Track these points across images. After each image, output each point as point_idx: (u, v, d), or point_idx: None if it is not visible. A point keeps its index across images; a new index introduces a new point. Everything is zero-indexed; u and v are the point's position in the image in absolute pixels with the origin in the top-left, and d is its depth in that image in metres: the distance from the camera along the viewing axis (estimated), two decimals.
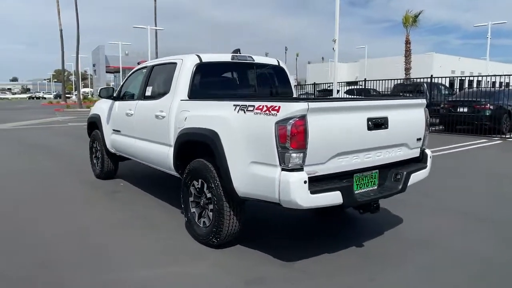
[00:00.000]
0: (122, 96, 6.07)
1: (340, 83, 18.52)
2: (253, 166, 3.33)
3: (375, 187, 3.78)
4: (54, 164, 8.45)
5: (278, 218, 4.86)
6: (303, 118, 3.04)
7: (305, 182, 3.05)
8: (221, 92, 4.88)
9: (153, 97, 5.06)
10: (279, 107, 3.12)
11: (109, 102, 6.32)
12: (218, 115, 3.70)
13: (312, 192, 3.10)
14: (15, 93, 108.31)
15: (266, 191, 3.23)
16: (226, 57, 4.89)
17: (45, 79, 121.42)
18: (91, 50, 70.94)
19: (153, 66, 5.34)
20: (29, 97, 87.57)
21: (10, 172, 7.69)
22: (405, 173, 3.85)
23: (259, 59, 5.24)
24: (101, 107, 6.60)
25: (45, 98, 73.56)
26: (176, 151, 4.28)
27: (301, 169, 3.09)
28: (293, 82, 5.60)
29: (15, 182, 6.84)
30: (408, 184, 3.89)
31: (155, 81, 5.18)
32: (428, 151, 4.23)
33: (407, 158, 4.05)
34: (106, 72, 68.81)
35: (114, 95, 6.19)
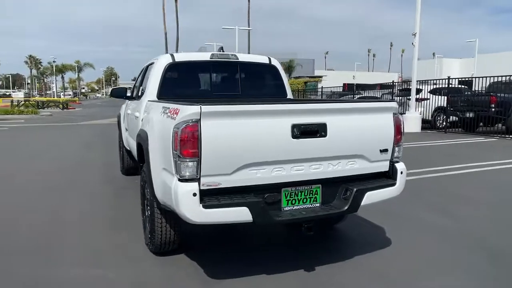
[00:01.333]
0: (133, 95, 6.27)
1: (436, 81, 16.70)
2: (162, 172, 3.14)
3: (317, 205, 3.26)
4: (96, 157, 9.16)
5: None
6: (195, 123, 2.73)
7: (194, 194, 2.75)
8: (195, 93, 4.72)
9: (139, 97, 5.12)
10: (179, 110, 2.86)
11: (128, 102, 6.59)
12: (151, 117, 3.56)
13: (205, 207, 2.78)
14: None
15: (169, 201, 3.00)
16: (204, 56, 4.71)
17: None
18: (195, 51, 75.87)
19: (147, 66, 5.39)
20: None
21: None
22: (354, 190, 3.23)
23: (244, 57, 4.95)
24: (123, 106, 6.93)
25: None
26: (137, 153, 4.24)
27: (195, 180, 2.79)
28: (286, 81, 5.14)
29: None
30: (363, 204, 3.27)
31: (143, 81, 5.23)
32: (399, 166, 3.51)
33: (368, 172, 3.41)
34: None
35: (128, 94, 6.41)
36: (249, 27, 41.42)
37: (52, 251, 3.87)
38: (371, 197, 3.31)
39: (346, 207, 3.22)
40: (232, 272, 3.44)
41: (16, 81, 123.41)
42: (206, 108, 2.75)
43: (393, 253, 3.81)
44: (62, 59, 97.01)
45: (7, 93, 66.26)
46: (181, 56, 4.63)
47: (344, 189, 3.29)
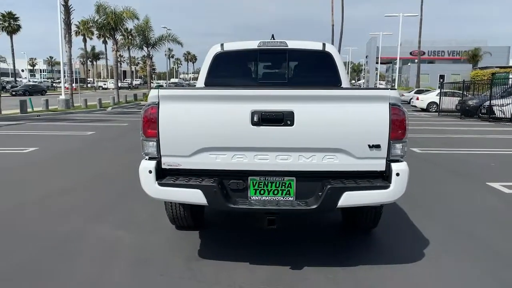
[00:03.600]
0: None
1: None
2: None
3: (290, 198, 3.05)
4: None
5: None
6: (155, 106, 2.95)
7: (150, 172, 2.98)
8: (241, 80, 4.83)
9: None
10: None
11: None
12: None
13: (161, 184, 2.98)
14: None
15: None
16: (252, 45, 4.77)
17: None
18: (365, 42, 73.24)
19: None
20: None
21: None
22: (328, 187, 2.89)
23: (295, 44, 4.78)
24: None
25: None
26: None
27: (156, 159, 3.02)
28: (342, 69, 4.72)
29: None
30: (343, 205, 2.90)
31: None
32: (397, 166, 2.92)
33: (355, 170, 2.98)
34: (378, 63, 69.62)
35: None
36: (421, 12, 37.62)
37: None
38: (353, 198, 2.89)
39: (315, 205, 2.91)
40: (216, 253, 3.56)
41: None
42: (163, 92, 2.93)
43: None
44: None
45: None
46: (230, 45, 4.81)
47: (322, 185, 2.98)
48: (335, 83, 4.68)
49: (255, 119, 2.87)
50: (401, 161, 2.97)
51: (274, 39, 4.83)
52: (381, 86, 67.78)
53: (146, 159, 3.06)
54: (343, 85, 4.67)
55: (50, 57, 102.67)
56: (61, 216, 4.54)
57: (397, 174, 2.91)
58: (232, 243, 3.88)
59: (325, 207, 2.93)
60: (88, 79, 72.93)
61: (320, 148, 2.94)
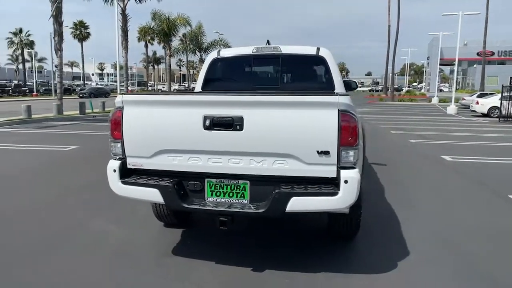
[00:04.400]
0: None
1: None
2: None
3: (245, 201, 3.14)
4: None
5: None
6: (120, 110, 3.18)
7: (114, 171, 3.21)
8: (235, 85, 4.96)
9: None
10: None
11: None
12: None
13: (123, 183, 3.20)
14: (367, 86, 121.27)
15: None
16: (247, 51, 4.89)
17: (396, 73, 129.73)
18: (427, 43, 69.73)
19: None
20: (370, 90, 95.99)
21: None
22: (276, 192, 2.94)
23: (289, 49, 4.84)
24: None
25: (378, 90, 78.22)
26: None
27: (121, 159, 3.25)
28: (336, 74, 4.66)
29: None
30: (292, 210, 2.93)
31: None
32: (346, 173, 2.88)
33: (306, 175, 2.99)
34: (440, 64, 65.96)
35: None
36: (487, 10, 35.10)
37: None
38: (300, 203, 2.91)
39: (263, 210, 2.97)
40: (189, 252, 3.73)
41: None
42: (126, 97, 3.16)
43: None
44: None
45: None
46: (226, 52, 4.97)
47: (273, 190, 3.02)
48: (328, 88, 4.66)
49: (207, 123, 2.99)
50: (353, 168, 2.94)
51: (269, 44, 4.91)
52: (444, 89, 64.83)
53: (114, 159, 3.30)
54: (336, 90, 4.63)
55: (116, 61, 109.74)
56: (67, 212, 4.99)
57: (346, 182, 2.87)
58: (209, 242, 4.02)
59: (273, 211, 2.97)
60: (149, 82, 76.99)
61: (270, 153, 2.99)
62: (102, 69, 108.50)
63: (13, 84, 46.04)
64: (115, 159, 3.29)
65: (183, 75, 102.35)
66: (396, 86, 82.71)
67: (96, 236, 4.11)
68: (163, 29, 29.91)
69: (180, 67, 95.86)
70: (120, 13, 25.25)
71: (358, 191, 2.93)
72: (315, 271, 3.35)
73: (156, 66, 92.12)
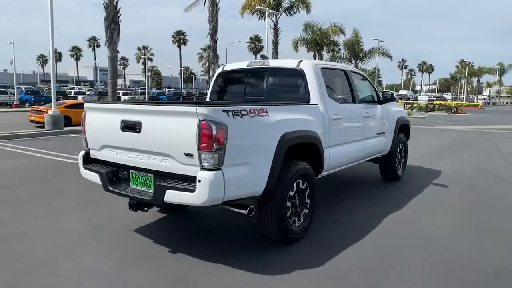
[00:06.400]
0: None
1: None
2: None
3: (150, 191, 3.82)
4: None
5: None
6: (85, 113, 4.31)
7: (80, 158, 4.35)
8: (232, 97, 5.55)
9: None
10: None
11: None
12: None
13: (85, 168, 4.31)
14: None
15: None
16: (243, 65, 5.45)
17: None
18: None
19: None
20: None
21: None
22: (156, 184, 3.56)
23: (274, 62, 5.20)
24: None
25: None
26: None
27: (86, 150, 4.38)
28: (315, 85, 4.73)
29: None
30: (168, 200, 3.50)
31: None
32: (202, 173, 3.27)
33: (182, 173, 3.49)
34: None
35: None
36: None
37: None
38: (172, 196, 3.44)
39: (149, 198, 3.61)
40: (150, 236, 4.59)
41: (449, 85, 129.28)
42: (87, 104, 4.26)
43: None
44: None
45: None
46: (228, 66, 5.61)
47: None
48: (306, 98, 4.82)
49: (122, 126, 3.82)
50: (213, 170, 3.29)
51: (262, 58, 5.35)
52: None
53: (82, 150, 4.45)
54: (313, 101, 4.75)
55: None
56: None
57: (199, 181, 3.27)
58: (170, 230, 4.78)
59: (156, 200, 3.58)
60: None
61: (158, 152, 3.61)
62: None
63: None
64: (83, 150, 4.44)
65: None
66: None
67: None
68: (315, 39, 30.98)
69: None
70: (272, 27, 27.60)
71: (217, 191, 3.29)
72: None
73: None
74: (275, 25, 27.90)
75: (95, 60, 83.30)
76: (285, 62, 5.13)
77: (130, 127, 3.76)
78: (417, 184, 6.98)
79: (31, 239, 4.30)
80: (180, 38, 74.99)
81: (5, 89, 36.52)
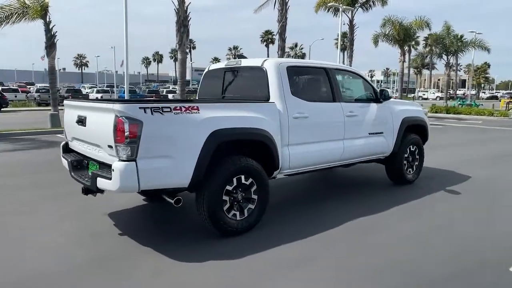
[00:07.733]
0: None
1: None
2: None
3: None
4: None
5: None
6: (64, 110, 4.99)
7: (60, 148, 5.04)
8: (213, 95, 5.81)
9: None
10: None
11: None
12: None
13: (63, 157, 4.98)
14: None
15: None
16: (222, 64, 5.71)
17: None
18: None
19: None
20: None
21: None
22: (91, 173, 4.03)
23: (245, 62, 5.34)
24: None
25: None
26: None
27: (66, 141, 5.05)
28: (276, 84, 4.77)
29: None
30: (100, 186, 3.93)
31: None
32: (115, 164, 3.66)
33: (109, 163, 3.88)
34: None
35: None
36: None
37: None
38: (100, 182, 3.86)
39: (89, 184, 4.07)
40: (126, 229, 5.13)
41: None
42: (65, 102, 4.92)
43: None
44: None
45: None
46: (212, 66, 5.89)
47: None
48: (266, 96, 4.91)
49: (76, 120, 4.39)
50: (126, 161, 3.64)
51: (239, 58, 5.53)
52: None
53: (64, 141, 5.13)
54: (272, 99, 4.83)
55: (386, 68, 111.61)
56: None
57: (113, 170, 3.64)
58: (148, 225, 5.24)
59: (92, 185, 4.02)
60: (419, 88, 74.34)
61: (96, 144, 4.08)
62: (371, 76, 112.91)
63: None
64: (64, 141, 5.12)
65: (463, 81, 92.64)
66: None
67: None
68: (399, 34, 29.11)
69: (456, 72, 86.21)
70: (347, 24, 26.86)
71: (129, 180, 3.63)
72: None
73: (427, 71, 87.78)
74: (351, 21, 27.06)
75: (191, 61, 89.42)
76: (252, 61, 5.24)
77: (81, 121, 4.31)
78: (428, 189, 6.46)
79: None
80: (268, 38, 76.41)
81: (108, 89, 41.68)
